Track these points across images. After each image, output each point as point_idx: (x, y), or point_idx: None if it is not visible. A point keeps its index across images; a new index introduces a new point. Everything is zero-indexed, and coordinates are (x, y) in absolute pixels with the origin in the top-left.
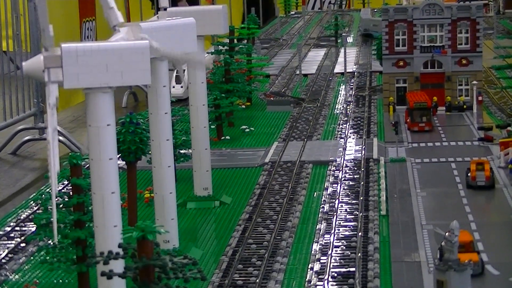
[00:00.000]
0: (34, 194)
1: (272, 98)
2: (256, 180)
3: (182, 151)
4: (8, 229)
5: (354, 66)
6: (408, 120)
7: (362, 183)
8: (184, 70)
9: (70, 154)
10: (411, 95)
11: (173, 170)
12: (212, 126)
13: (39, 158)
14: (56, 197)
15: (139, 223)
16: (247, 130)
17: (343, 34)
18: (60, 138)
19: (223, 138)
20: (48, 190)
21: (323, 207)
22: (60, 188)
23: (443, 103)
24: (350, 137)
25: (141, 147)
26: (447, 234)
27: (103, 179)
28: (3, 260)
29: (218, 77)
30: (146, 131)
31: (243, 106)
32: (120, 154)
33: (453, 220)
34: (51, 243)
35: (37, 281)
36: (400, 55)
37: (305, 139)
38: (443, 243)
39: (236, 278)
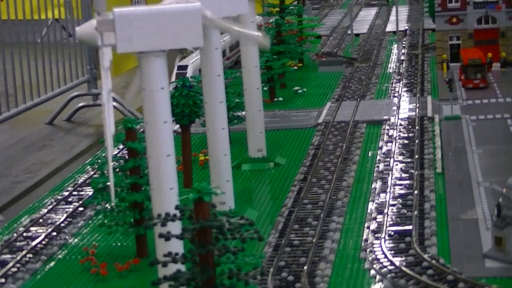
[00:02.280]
0: (90, 159)
1: (324, 59)
2: (310, 140)
3: (235, 114)
4: (66, 194)
5: (406, 25)
6: (462, 77)
7: (416, 141)
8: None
9: (124, 118)
10: (465, 52)
11: (227, 132)
12: (265, 88)
13: (93, 124)
14: (112, 161)
15: (195, 185)
16: (300, 91)
17: None
18: (114, 104)
19: (275, 99)
20: (103, 154)
21: (378, 166)
22: (116, 152)
23: (498, 59)
24: (403, 95)
25: (194, 110)
26: (504, 190)
27: (158, 142)
28: (62, 224)
29: (270, 39)
30: (200, 94)
31: (295, 67)
32: (174, 118)
33: (510, 177)
34: (109, 207)
35: (96, 244)
36: (453, 11)
37: (358, 99)
38: (500, 200)
39: (292, 238)
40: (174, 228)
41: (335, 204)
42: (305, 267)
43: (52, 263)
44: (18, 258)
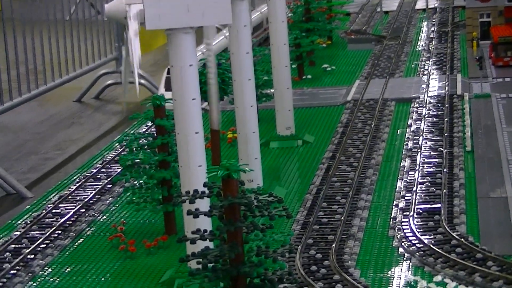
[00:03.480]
0: (118, 136)
1: (353, 36)
2: (339, 118)
3: (263, 91)
4: (94, 171)
5: (436, 2)
6: (492, 55)
7: (446, 119)
8: None
9: (153, 95)
10: (495, 30)
11: (256, 109)
12: (293, 66)
13: (121, 101)
14: (140, 138)
15: (224, 162)
16: (328, 69)
17: None
18: (142, 81)
19: (304, 77)
20: (132, 131)
21: (407, 144)
22: (144, 130)
23: None
24: (433, 73)
25: (223, 87)
26: None
27: (187, 119)
28: (91, 201)
29: (298, 16)
30: (228, 72)
31: (324, 45)
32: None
33: None
34: (137, 184)
35: (124, 221)
36: None
37: (387, 77)
38: None
39: (320, 216)
40: (202, 205)
41: (363, 182)
42: (333, 245)
43: (81, 240)
44: (47, 234)
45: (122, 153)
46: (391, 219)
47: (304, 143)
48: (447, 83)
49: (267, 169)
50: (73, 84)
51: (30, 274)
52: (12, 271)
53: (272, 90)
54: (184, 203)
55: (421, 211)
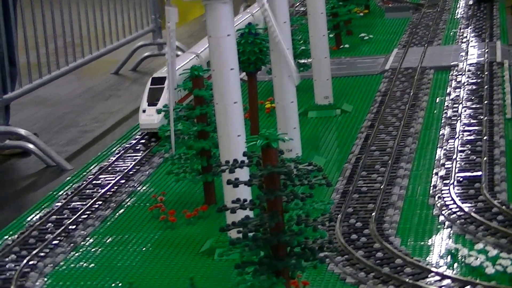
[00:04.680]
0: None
1: (390, 5)
2: (377, 87)
3: (301, 61)
4: (134, 142)
5: None
6: None
7: (485, 87)
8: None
9: (191, 66)
10: None
11: (293, 79)
12: (331, 35)
13: None
14: (179, 109)
15: (263, 131)
16: (366, 37)
17: None
18: (179, 53)
19: (342, 46)
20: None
21: (446, 113)
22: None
23: None
24: (472, 41)
25: (260, 57)
26: None
27: (225, 89)
28: (130, 172)
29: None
30: (266, 42)
31: (361, 14)
32: (240, 66)
33: None
34: (176, 155)
35: (164, 191)
36: None
37: (426, 45)
38: None
39: (360, 185)
40: (242, 175)
41: (403, 151)
42: (373, 213)
43: (121, 210)
44: (88, 205)
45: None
46: (431, 187)
47: (342, 112)
48: (486, 50)
49: (306, 138)
50: (110, 56)
51: (72, 244)
52: (54, 242)
53: (309, 60)
54: (224, 172)
55: (461, 179)
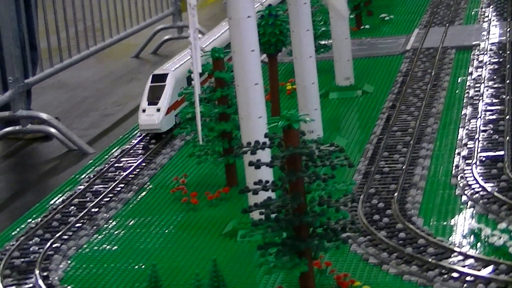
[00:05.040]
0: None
1: None
2: (398, 68)
3: (322, 42)
4: None
5: None
6: None
7: (507, 66)
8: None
9: (212, 48)
10: None
11: (314, 60)
12: (351, 16)
13: None
14: (201, 91)
15: (284, 112)
16: (387, 18)
17: None
18: (200, 36)
19: (362, 27)
20: (191, 86)
21: (468, 92)
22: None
23: None
24: (493, 20)
25: (281, 39)
26: None
27: (246, 71)
28: (152, 155)
29: None
30: (286, 23)
31: None
32: (260, 47)
33: None
34: (197, 138)
35: (186, 174)
36: None
37: (447, 25)
38: None
39: (382, 165)
40: (263, 156)
41: (424, 131)
42: (396, 194)
43: (144, 193)
44: (110, 188)
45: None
46: (454, 167)
47: (363, 93)
48: (508, 29)
49: (327, 120)
50: (131, 40)
51: (95, 227)
52: (77, 224)
53: (330, 41)
54: (245, 154)
55: (483, 159)
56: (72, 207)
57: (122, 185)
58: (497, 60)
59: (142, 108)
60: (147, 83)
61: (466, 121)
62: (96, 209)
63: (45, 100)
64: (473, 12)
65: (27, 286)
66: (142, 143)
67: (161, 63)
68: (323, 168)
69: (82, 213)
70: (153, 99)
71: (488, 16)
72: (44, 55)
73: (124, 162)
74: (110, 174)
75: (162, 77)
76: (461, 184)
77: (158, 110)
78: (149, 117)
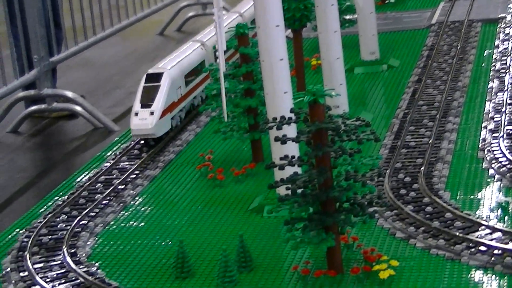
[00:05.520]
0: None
1: None
2: (424, 41)
3: (347, 17)
4: None
5: None
6: None
7: None
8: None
9: (236, 24)
10: None
11: (339, 35)
12: None
13: None
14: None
15: (310, 87)
16: None
17: None
18: (224, 12)
19: (387, 1)
20: (216, 61)
21: (495, 65)
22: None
23: None
24: None
25: (306, 14)
26: None
27: (271, 46)
28: (178, 132)
29: None
30: None
31: None
32: (285, 23)
33: None
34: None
35: (212, 150)
36: None
37: None
38: None
39: (408, 140)
40: (289, 132)
41: (451, 105)
42: (422, 168)
43: (170, 170)
44: (136, 165)
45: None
46: (480, 141)
47: (389, 68)
48: None
49: (353, 95)
50: (155, 17)
51: (121, 204)
52: (104, 201)
53: (355, 16)
54: (271, 130)
55: (510, 132)
56: (99, 184)
57: (148, 162)
58: None
59: (134, 111)
60: (140, 83)
61: (492, 94)
62: (123, 186)
63: (70, 79)
64: None
65: (55, 263)
66: None
67: (186, 40)
68: (349, 142)
69: (109, 190)
70: (147, 101)
71: None
72: (69, 33)
73: (150, 139)
74: (135, 151)
75: (157, 77)
76: (488, 158)
77: (152, 113)
78: (141, 121)
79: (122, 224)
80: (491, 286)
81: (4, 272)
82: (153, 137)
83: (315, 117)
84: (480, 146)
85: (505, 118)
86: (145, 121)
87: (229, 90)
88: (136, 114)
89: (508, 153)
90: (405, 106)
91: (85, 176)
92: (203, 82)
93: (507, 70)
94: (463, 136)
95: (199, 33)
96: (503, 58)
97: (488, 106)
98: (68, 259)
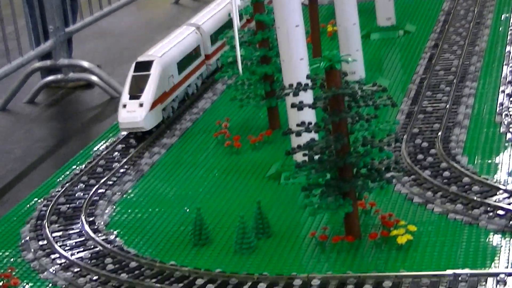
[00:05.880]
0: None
1: None
2: (440, 6)
3: None
4: None
5: None
6: None
7: None
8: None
9: None
10: None
11: (355, 1)
12: None
13: None
14: (240, 35)
15: (326, 53)
16: None
17: None
18: None
19: None
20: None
21: None
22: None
23: None
24: None
25: None
26: None
27: (287, 13)
28: (194, 100)
29: None
30: None
31: None
32: None
33: None
34: (239, 81)
35: (228, 118)
36: None
37: None
38: None
39: (425, 105)
40: (306, 98)
41: (468, 69)
42: (439, 133)
43: (186, 138)
44: (153, 133)
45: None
46: (498, 105)
47: (405, 33)
48: None
49: (369, 61)
50: None
51: (138, 172)
52: (121, 170)
53: None
54: (288, 96)
55: None
56: (116, 153)
57: (165, 131)
58: None
59: (122, 102)
60: (129, 72)
61: (510, 58)
62: (140, 155)
63: (86, 49)
64: None
65: (73, 231)
66: None
67: (202, 8)
68: (366, 108)
69: (126, 159)
70: (136, 92)
71: None
72: (84, 3)
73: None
74: None
75: (147, 65)
76: (505, 122)
77: (141, 105)
78: (130, 114)
79: (140, 193)
80: (509, 250)
81: (23, 241)
82: (143, 130)
83: (331, 83)
84: (497, 110)
85: None
86: (134, 113)
87: (245, 57)
88: (124, 106)
89: None
90: (422, 72)
91: (102, 145)
92: (198, 68)
93: None
94: (480, 101)
95: (194, 16)
96: None
97: (506, 70)
98: (87, 227)
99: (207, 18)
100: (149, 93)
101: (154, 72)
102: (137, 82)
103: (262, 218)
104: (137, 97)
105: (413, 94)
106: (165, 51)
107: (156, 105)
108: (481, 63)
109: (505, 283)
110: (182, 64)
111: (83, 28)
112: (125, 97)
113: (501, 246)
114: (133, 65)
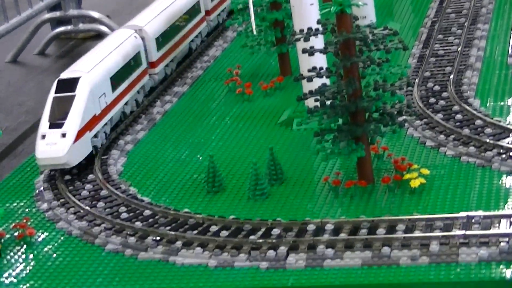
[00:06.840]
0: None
1: None
2: None
3: None
4: None
5: None
6: None
7: None
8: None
9: None
10: None
11: None
12: None
13: None
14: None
15: None
16: None
17: None
18: None
19: None
20: None
21: None
22: None
23: None
24: None
25: None
26: None
27: None
28: (204, 47)
29: None
30: None
31: None
32: None
33: None
34: (250, 29)
35: (239, 65)
36: None
37: None
38: None
39: (436, 48)
40: (316, 43)
41: (479, 12)
42: (451, 76)
43: (198, 86)
44: (165, 82)
45: None
46: (510, 47)
47: None
48: None
49: (380, 5)
50: None
51: (151, 121)
52: (133, 119)
53: None
54: (298, 42)
55: None
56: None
57: (176, 79)
58: None
59: (41, 132)
60: (50, 92)
61: None
62: (152, 103)
63: (95, 0)
64: None
65: (87, 180)
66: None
67: None
68: (377, 52)
69: (138, 108)
70: (57, 119)
71: None
72: None
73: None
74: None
75: (71, 84)
76: None
77: (64, 135)
78: (50, 147)
79: (152, 141)
80: None
81: (37, 191)
82: (67, 167)
83: (342, 28)
84: (509, 52)
85: None
86: (55, 146)
87: (255, 4)
88: (43, 136)
89: None
90: (433, 15)
91: None
92: (139, 80)
93: None
94: (492, 43)
95: (134, 17)
96: None
97: None
98: (100, 176)
99: (154, 16)
100: (74, 120)
101: (80, 93)
102: (59, 105)
103: (275, 165)
104: (59, 126)
105: (424, 37)
106: (94, 64)
107: (83, 134)
108: (493, 5)
109: None
110: (117, 78)
111: None
112: (44, 125)
113: None
114: (55, 83)
